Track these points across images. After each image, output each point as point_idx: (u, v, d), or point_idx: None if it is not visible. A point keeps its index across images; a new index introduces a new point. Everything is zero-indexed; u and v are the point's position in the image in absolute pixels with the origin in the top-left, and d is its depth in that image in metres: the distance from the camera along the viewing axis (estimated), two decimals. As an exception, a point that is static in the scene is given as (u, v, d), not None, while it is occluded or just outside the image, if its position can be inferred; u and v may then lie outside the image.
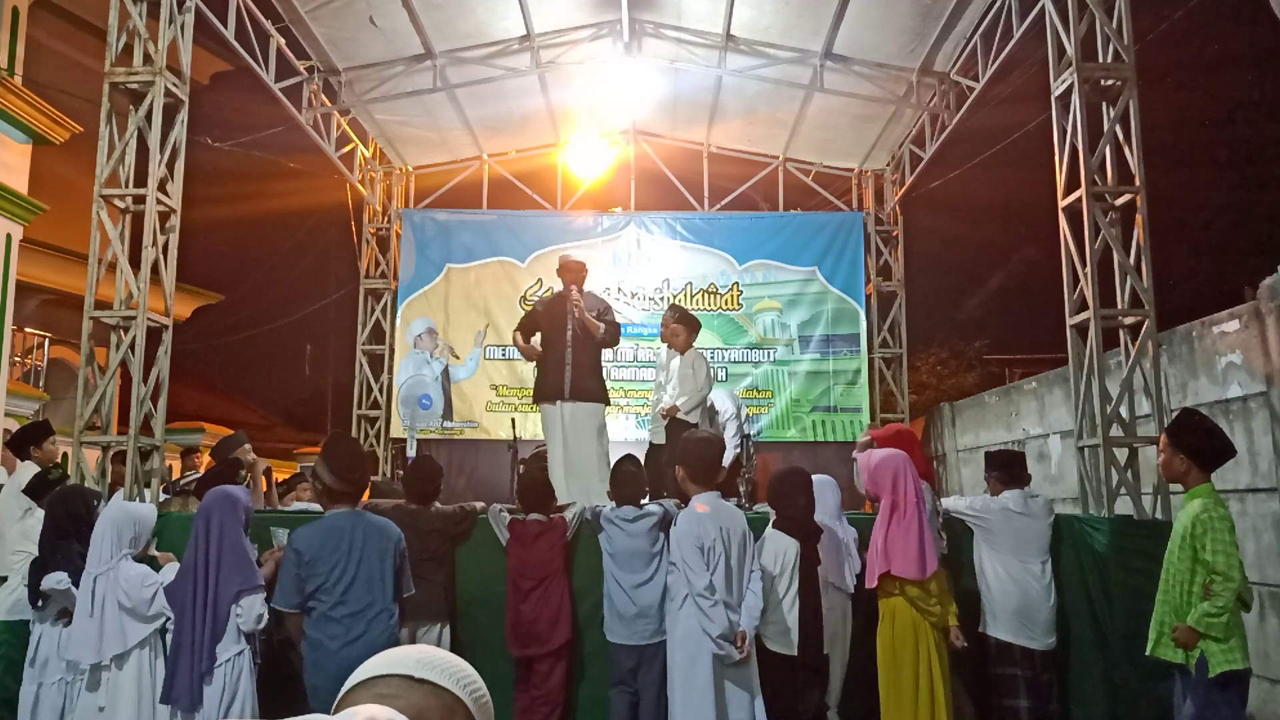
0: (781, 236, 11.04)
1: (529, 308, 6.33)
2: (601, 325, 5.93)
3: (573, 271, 6.06)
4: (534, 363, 6.00)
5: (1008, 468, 4.98)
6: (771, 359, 10.79)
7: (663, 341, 6.43)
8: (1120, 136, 5.90)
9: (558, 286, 6.29)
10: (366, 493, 4.56)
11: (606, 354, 6.29)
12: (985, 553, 4.75)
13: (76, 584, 4.13)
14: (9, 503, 5.43)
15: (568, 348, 5.85)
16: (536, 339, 5.99)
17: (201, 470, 8.60)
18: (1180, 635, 3.53)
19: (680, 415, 5.96)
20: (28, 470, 5.55)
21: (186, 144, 6.23)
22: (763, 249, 10.99)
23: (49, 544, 4.40)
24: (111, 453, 5.86)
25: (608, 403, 6.05)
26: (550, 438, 5.87)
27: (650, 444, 6.39)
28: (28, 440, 5.70)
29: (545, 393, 5.87)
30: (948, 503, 4.98)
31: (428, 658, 1.09)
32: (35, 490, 4.95)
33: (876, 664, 4.29)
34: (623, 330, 6.40)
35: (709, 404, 6.49)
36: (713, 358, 10.34)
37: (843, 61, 9.04)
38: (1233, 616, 3.47)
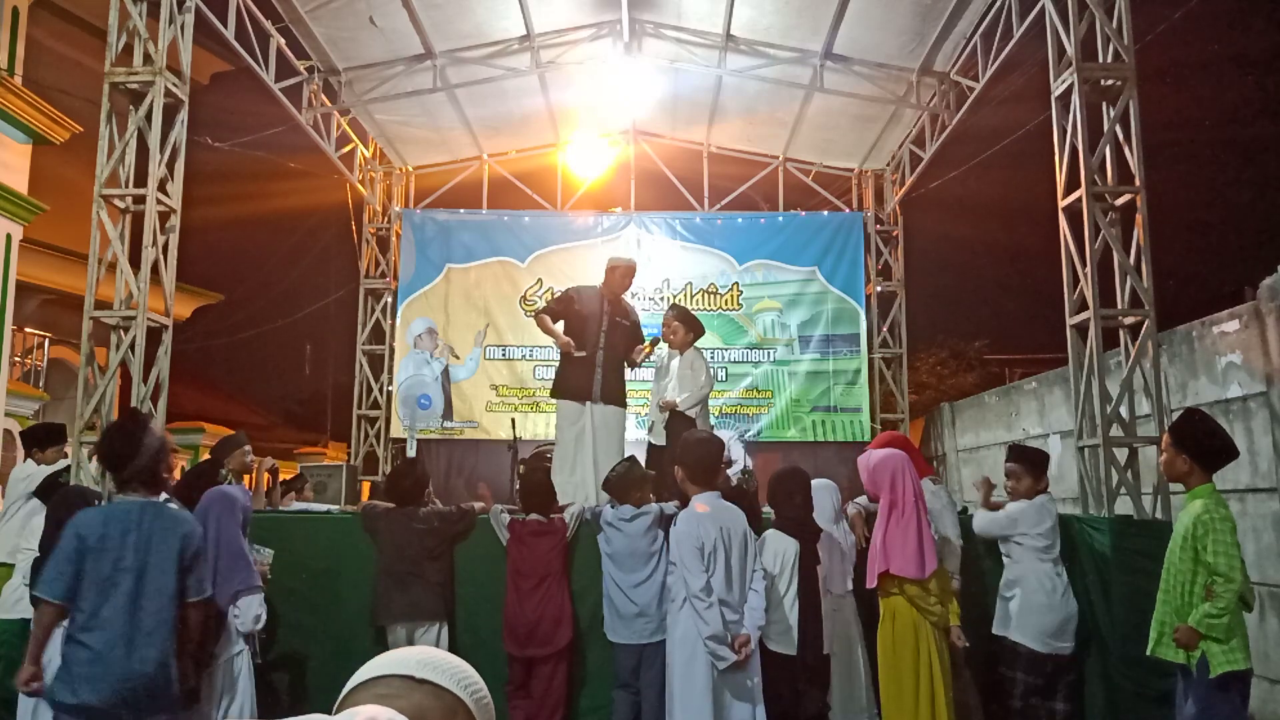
0: (781, 236, 11.04)
1: (559, 294, 6.22)
2: (641, 354, 5.95)
3: (625, 275, 6.00)
4: (565, 352, 5.91)
5: (1041, 466, 4.93)
6: (771, 359, 10.79)
7: (663, 340, 6.42)
8: (1120, 136, 5.90)
9: (558, 287, 6.28)
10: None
11: None
12: (1023, 559, 4.72)
13: None
14: (14, 500, 5.43)
15: (600, 349, 5.81)
16: (559, 329, 5.93)
17: (177, 471, 8.58)
18: (1181, 636, 3.53)
19: (680, 409, 5.96)
20: (31, 469, 5.56)
21: (186, 144, 6.24)
22: (763, 249, 10.99)
23: (51, 545, 4.40)
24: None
25: (626, 406, 6.06)
26: (568, 435, 5.82)
27: (650, 444, 6.38)
28: (38, 441, 5.70)
29: (571, 391, 5.83)
30: (980, 525, 4.93)
31: (429, 658, 1.09)
32: (46, 492, 4.96)
33: (876, 664, 4.29)
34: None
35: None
36: (713, 358, 10.33)
37: (843, 61, 9.04)
38: (1234, 617, 3.46)
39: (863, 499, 4.95)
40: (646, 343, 6.10)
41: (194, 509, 4.08)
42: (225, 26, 7.45)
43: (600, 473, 5.65)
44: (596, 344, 5.83)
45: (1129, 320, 5.84)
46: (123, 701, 3.16)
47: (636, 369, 6.22)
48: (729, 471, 6.62)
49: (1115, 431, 5.64)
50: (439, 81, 9.32)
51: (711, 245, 11.08)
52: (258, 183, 13.60)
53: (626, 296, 6.26)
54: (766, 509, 4.81)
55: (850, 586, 4.73)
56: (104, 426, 3.61)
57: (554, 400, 6.03)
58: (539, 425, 10.28)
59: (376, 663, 1.09)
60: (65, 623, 3.30)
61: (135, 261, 5.98)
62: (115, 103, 6.09)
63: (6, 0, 10.25)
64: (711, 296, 10.93)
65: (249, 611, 3.89)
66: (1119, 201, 5.88)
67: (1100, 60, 5.96)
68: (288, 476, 8.32)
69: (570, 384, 5.84)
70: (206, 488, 4.22)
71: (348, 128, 10.25)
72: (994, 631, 4.72)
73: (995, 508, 4.99)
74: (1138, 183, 5.79)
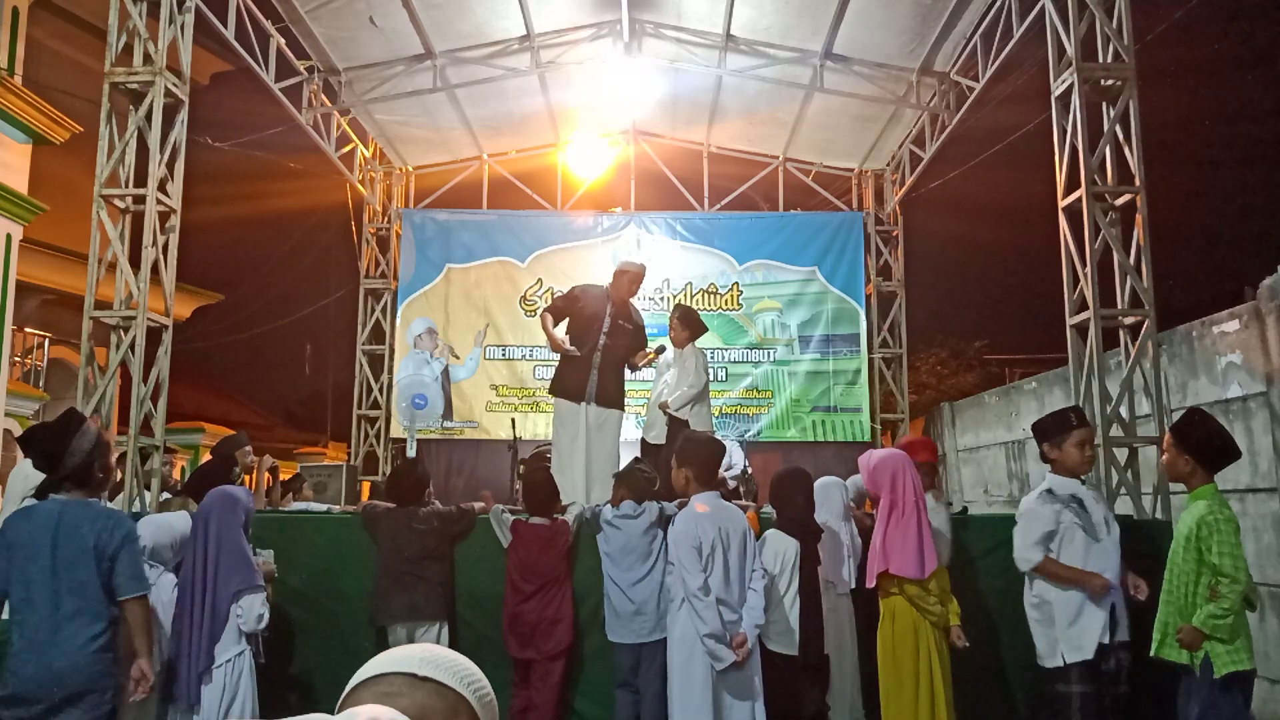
0: (781, 236, 11.04)
1: (565, 292, 6.25)
2: (644, 359, 5.95)
3: (634, 280, 6.01)
4: (558, 353, 5.94)
5: None
6: (771, 359, 10.78)
7: (669, 338, 6.44)
8: (1120, 136, 5.90)
9: (558, 288, 6.27)
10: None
11: None
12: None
13: None
14: (13, 500, 5.43)
15: (597, 352, 5.79)
16: (562, 328, 5.93)
17: (177, 471, 8.58)
18: (1185, 636, 3.52)
19: (670, 411, 5.96)
20: (29, 469, 5.55)
21: (186, 144, 6.23)
22: (763, 249, 10.99)
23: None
24: (115, 454, 5.86)
25: (624, 409, 6.05)
26: (564, 434, 5.81)
27: (644, 442, 6.36)
28: None
29: (567, 390, 5.82)
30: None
31: (431, 656, 1.08)
32: (44, 492, 4.94)
33: (876, 664, 4.29)
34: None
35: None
36: (713, 358, 10.32)
37: (843, 61, 9.04)
38: (1238, 618, 3.46)
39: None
40: (651, 350, 6.09)
41: None
42: (225, 26, 7.45)
43: (593, 474, 5.65)
44: (595, 345, 5.81)
45: (1129, 320, 5.84)
46: (43, 694, 3.29)
47: (637, 371, 6.21)
48: (726, 475, 6.65)
49: (1115, 431, 5.64)
50: (439, 81, 9.32)
51: (711, 245, 11.08)
52: (258, 183, 13.60)
53: (634, 300, 6.25)
54: (767, 509, 4.81)
55: (853, 585, 4.72)
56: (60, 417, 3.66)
57: (552, 398, 6.04)
58: (539, 425, 10.27)
59: (379, 660, 1.08)
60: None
61: (135, 261, 5.98)
62: (115, 103, 6.09)
63: (6, 0, 10.25)
64: (711, 296, 10.93)
65: (251, 611, 3.87)
66: (1119, 201, 5.88)
67: (1100, 60, 5.96)
68: (287, 476, 8.32)
69: (566, 383, 5.84)
70: (219, 485, 4.22)
71: (348, 128, 10.25)
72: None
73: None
74: (1138, 183, 5.79)
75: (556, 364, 6.05)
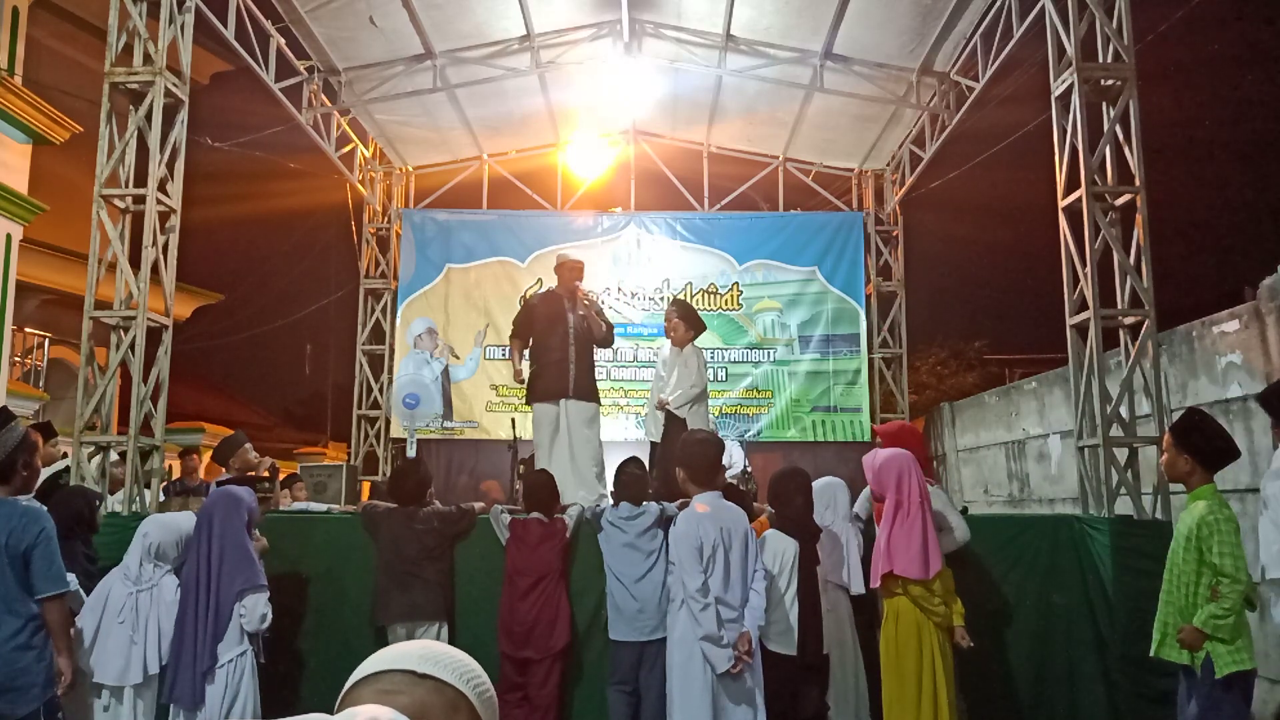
0: (781, 236, 11.04)
1: (519, 311, 6.42)
2: (604, 325, 6.03)
3: (573, 271, 6.14)
4: (540, 357, 6.06)
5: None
6: (771, 359, 10.78)
7: (666, 336, 6.46)
8: (1120, 136, 5.89)
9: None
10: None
11: (605, 353, 6.35)
12: None
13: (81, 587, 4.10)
14: None
15: (570, 347, 5.91)
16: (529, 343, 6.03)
17: (201, 471, 8.59)
18: (1186, 637, 3.51)
19: (672, 409, 5.98)
20: None
21: (186, 144, 6.23)
22: (763, 249, 10.99)
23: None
24: (114, 453, 5.86)
25: (599, 402, 6.14)
26: (544, 436, 5.88)
27: (651, 443, 6.40)
28: None
29: (546, 392, 5.89)
30: None
31: (431, 652, 1.08)
32: (45, 493, 4.95)
33: (878, 664, 4.29)
34: (620, 330, 6.47)
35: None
36: (713, 358, 10.33)
37: (843, 61, 9.04)
38: (1239, 618, 3.45)
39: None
40: (591, 298, 6.22)
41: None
42: (225, 26, 7.45)
43: (578, 468, 5.70)
44: (567, 342, 5.95)
45: (1129, 320, 5.83)
46: None
47: (602, 334, 6.29)
48: (726, 474, 6.65)
49: (1115, 431, 5.63)
50: (439, 81, 9.32)
51: (711, 245, 11.08)
52: (258, 183, 13.58)
53: (595, 292, 6.37)
54: (767, 509, 4.81)
55: (862, 586, 4.72)
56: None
57: (531, 405, 6.10)
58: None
59: (378, 657, 1.08)
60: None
61: (135, 261, 5.97)
62: (115, 103, 6.09)
63: (6, 0, 10.25)
64: (711, 296, 10.93)
65: (255, 610, 3.87)
66: (1119, 201, 5.87)
67: (1100, 60, 5.96)
68: (281, 477, 8.32)
69: (546, 385, 5.94)
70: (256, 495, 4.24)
71: (348, 128, 10.24)
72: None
73: None
74: (1138, 183, 5.79)
75: (531, 371, 6.11)
